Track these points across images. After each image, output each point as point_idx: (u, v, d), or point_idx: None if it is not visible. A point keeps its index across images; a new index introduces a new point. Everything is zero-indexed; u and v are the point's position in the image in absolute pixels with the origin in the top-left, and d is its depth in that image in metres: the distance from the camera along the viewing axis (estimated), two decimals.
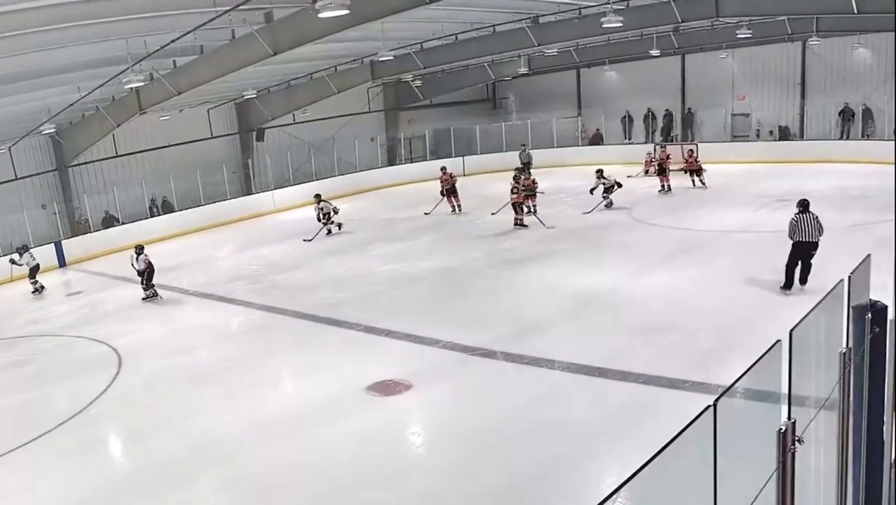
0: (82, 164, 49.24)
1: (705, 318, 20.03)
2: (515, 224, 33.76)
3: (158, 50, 27.51)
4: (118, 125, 42.75)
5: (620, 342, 18.67)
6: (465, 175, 50.78)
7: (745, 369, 5.47)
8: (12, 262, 35.06)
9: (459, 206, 40.06)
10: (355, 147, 57.01)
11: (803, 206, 22.64)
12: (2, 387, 23.33)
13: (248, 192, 54.02)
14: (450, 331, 20.70)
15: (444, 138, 59.37)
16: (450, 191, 40.38)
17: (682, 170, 39.22)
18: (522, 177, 35.26)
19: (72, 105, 36.79)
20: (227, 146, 55.87)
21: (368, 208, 44.18)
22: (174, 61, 32.89)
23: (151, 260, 31.12)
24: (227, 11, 23.72)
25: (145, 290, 31.23)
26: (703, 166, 39.09)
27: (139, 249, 31.42)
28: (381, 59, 40.14)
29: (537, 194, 34.80)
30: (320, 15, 21.98)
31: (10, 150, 44.56)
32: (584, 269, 26.08)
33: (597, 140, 57.64)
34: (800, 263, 22.34)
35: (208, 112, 54.03)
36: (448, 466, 14.10)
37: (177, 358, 23.23)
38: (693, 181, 39.11)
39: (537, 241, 30.23)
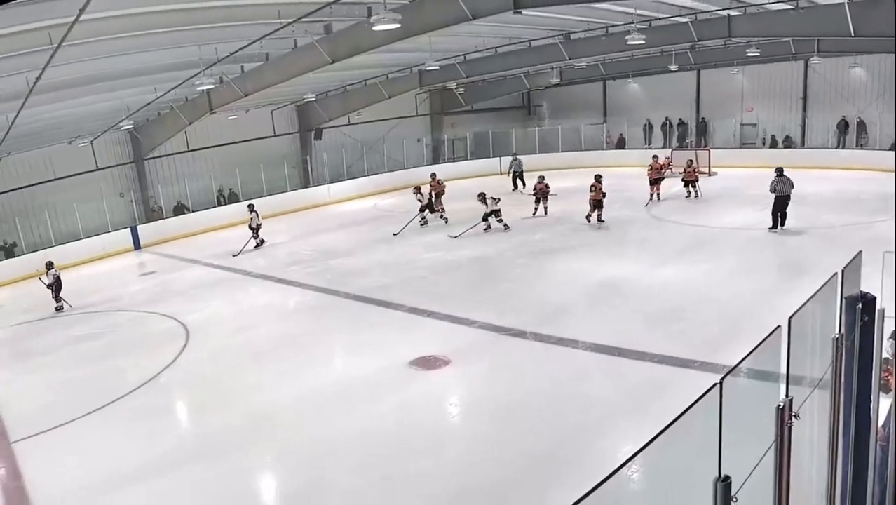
0: (157, 157, 50.25)
1: (714, 305, 20.05)
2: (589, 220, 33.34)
3: (228, 56, 27.79)
4: (190, 123, 43.52)
5: (637, 326, 18.74)
6: (500, 174, 50.90)
7: (748, 352, 5.55)
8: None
9: (443, 211, 39.16)
10: (403, 147, 57.45)
11: (779, 171, 29.96)
12: (80, 356, 23.75)
13: (306, 186, 54.49)
14: (485, 313, 20.81)
15: (483, 140, 59.49)
16: (439, 194, 39.67)
17: (682, 180, 38.74)
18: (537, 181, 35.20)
19: (148, 104, 37.15)
20: (288, 144, 56.45)
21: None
22: (242, 67, 33.17)
23: (60, 275, 31.34)
24: (290, 23, 23.98)
25: (57, 301, 31.20)
26: (699, 177, 38.57)
27: (49, 265, 31.62)
28: (428, 68, 40.79)
29: (549, 196, 34.60)
30: (374, 28, 22.15)
31: (91, 143, 45.94)
32: (606, 260, 26.12)
33: (620, 145, 57.62)
34: (779, 212, 29.11)
35: (272, 113, 54.71)
36: (483, 434, 14.23)
37: (239, 334, 23.53)
38: (688, 191, 38.30)
39: (564, 234, 30.30)
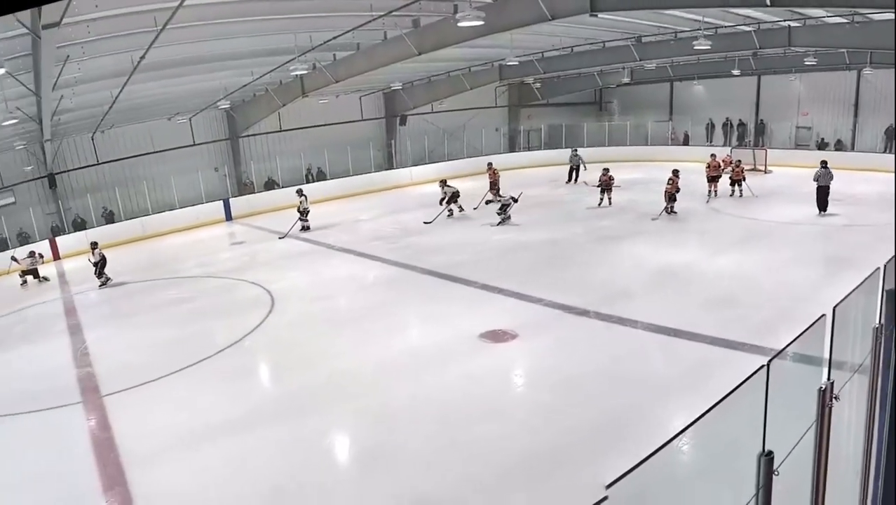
0: (250, 135, 51.74)
1: (765, 293, 19.99)
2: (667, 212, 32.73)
3: (321, 44, 28.22)
4: (283, 105, 44.79)
5: (693, 310, 18.79)
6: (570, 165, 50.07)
7: (794, 337, 5.67)
8: (13, 259, 34.66)
9: (493, 199, 37.94)
10: (482, 135, 57.81)
11: (823, 164, 31.74)
12: (172, 318, 24.34)
13: (390, 168, 55.23)
14: (551, 292, 20.91)
15: (556, 133, 59.51)
16: (494, 182, 39.99)
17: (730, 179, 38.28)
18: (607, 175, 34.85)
19: (245, 86, 38.20)
20: (375, 128, 57.17)
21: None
22: (334, 55, 33.62)
23: (105, 254, 31.91)
24: (381, 16, 24.55)
25: (99, 277, 31.86)
26: (747, 176, 38.06)
27: (94, 245, 32.30)
28: (508, 63, 40.61)
29: (613, 188, 34.53)
30: (459, 24, 22.52)
31: (190, 120, 47.84)
32: (666, 248, 26.10)
33: (684, 141, 57.43)
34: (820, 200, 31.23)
35: (360, 99, 55.53)
36: (545, 404, 14.38)
37: (321, 302, 23.95)
38: (733, 190, 37.22)
39: (629, 222, 30.28)
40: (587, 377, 15.24)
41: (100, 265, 31.74)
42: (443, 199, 36.62)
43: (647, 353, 16.50)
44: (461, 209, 36.48)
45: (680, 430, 5.34)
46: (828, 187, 31.52)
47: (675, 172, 33.01)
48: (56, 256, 40.72)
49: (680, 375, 14.87)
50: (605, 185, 33.56)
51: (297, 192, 38.25)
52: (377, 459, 12.99)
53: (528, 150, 58.80)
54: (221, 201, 46.89)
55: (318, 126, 53.79)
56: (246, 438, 14.50)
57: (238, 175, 52.72)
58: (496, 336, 18.18)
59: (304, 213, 37.61)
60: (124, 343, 22.67)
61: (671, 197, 32.40)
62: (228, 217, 46.34)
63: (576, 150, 43.28)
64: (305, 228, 37.68)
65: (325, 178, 52.84)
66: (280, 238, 35.69)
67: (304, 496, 11.91)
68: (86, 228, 44.19)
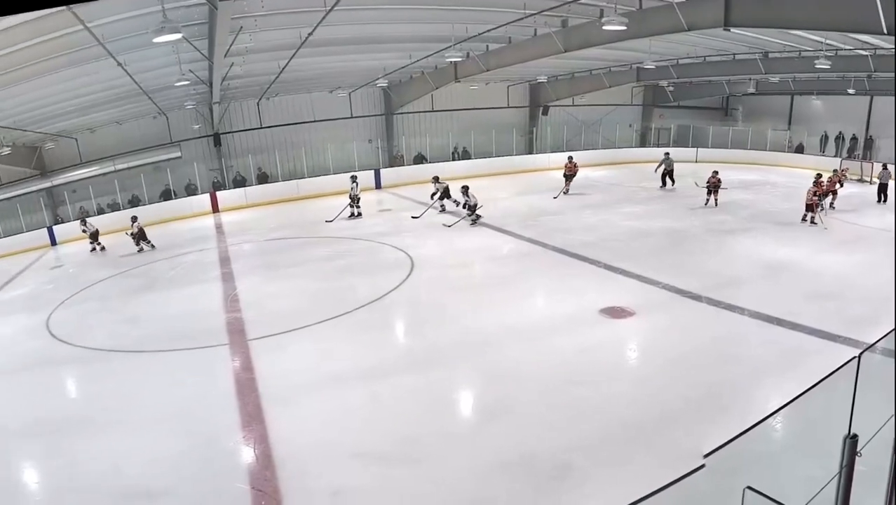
0: (404, 113, 53.01)
1: (863, 291, 19.46)
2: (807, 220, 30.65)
3: (476, 36, 28.75)
4: (436, 88, 45.85)
5: (796, 301, 18.43)
6: (696, 162, 50.36)
7: (885, 333, 5.63)
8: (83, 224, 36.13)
9: (566, 192, 38.96)
10: (616, 130, 57.61)
11: (884, 165, 34.64)
12: (320, 273, 25.27)
13: (530, 152, 55.32)
14: (669, 276, 20.85)
15: (684, 133, 58.57)
16: (569, 177, 39.55)
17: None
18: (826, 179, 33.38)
19: (403, 68, 39.04)
20: (519, 115, 57.40)
21: (620, 177, 44.61)
22: (487, 46, 34.08)
23: (142, 226, 33.43)
24: (533, 14, 24.87)
25: (137, 245, 33.44)
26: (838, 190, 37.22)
27: (134, 219, 34.08)
28: (645, 66, 41.14)
29: (720, 189, 33.95)
30: (604, 27, 22.79)
31: (349, 95, 49.34)
32: (775, 244, 25.50)
33: (799, 150, 56.78)
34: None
35: (507, 88, 55.87)
36: (652, 376, 14.38)
37: (456, 270, 24.31)
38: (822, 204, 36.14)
39: (743, 218, 29.82)
40: (694, 355, 15.20)
41: (138, 236, 33.22)
42: (434, 195, 36.11)
43: (750, 337, 16.29)
44: (456, 203, 35.19)
45: (774, 409, 5.32)
46: (886, 184, 34.65)
47: (818, 179, 31.21)
48: (215, 209, 43.14)
49: (778, 360, 14.68)
50: (714, 185, 33.00)
51: (351, 178, 37.72)
52: (494, 413, 13.16)
53: (658, 146, 57.76)
54: (373, 171, 48.28)
55: (467, 109, 54.41)
56: (376, 385, 14.84)
57: (390, 148, 53.95)
58: (615, 312, 18.21)
59: (355, 200, 37.05)
60: (272, 292, 23.44)
61: (809, 207, 31.12)
62: (378, 186, 47.82)
63: (668, 153, 41.64)
64: (355, 216, 36.88)
65: (469, 158, 53.57)
66: (327, 221, 35.39)
67: (427, 443, 12.10)
68: (245, 186, 46.65)
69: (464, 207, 32.81)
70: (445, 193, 35.61)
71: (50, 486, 12.35)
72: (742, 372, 14.02)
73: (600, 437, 11.69)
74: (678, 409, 12.55)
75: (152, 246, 33.64)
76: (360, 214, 36.57)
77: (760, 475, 6.70)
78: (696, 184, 32.74)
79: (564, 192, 38.63)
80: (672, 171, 40.08)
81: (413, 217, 34.23)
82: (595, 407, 12.89)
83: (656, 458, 10.75)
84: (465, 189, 32.97)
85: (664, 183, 40.14)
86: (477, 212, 32.35)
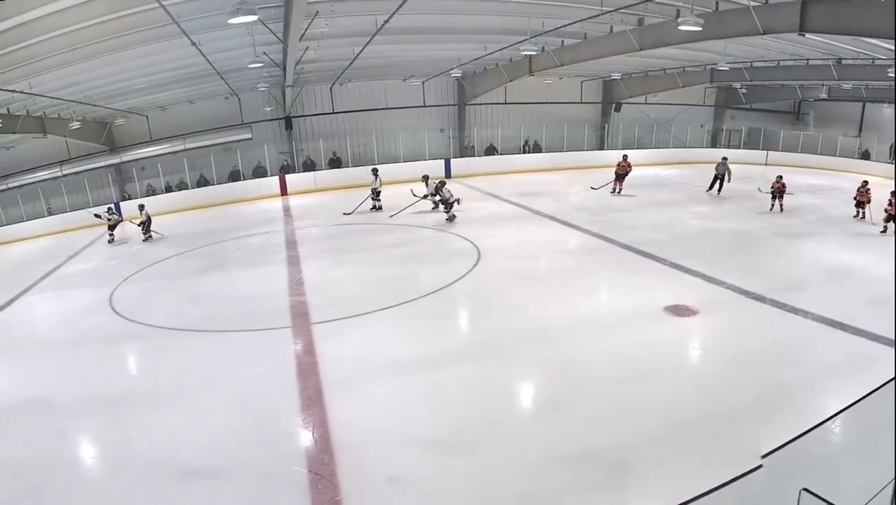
0: (477, 104, 53.10)
1: None
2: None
3: (552, 30, 28.75)
4: (510, 80, 45.45)
5: (859, 307, 18.03)
6: (766, 165, 50.58)
7: None
8: (96, 216, 36.10)
9: (620, 189, 38.29)
10: (688, 129, 57.42)
11: None
12: (384, 260, 25.55)
13: (601, 148, 55.61)
14: (734, 276, 20.64)
15: (755, 135, 58.34)
16: (622, 176, 38.57)
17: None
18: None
19: (477, 59, 39.17)
20: (591, 111, 57.50)
21: (690, 176, 44.38)
22: (562, 41, 33.89)
23: (150, 214, 33.78)
24: (609, 12, 24.82)
25: (145, 234, 33.83)
26: None
27: (141, 207, 34.60)
28: (719, 68, 40.85)
29: (785, 195, 33.53)
30: (680, 27, 22.75)
31: (423, 83, 49.53)
32: (841, 248, 25.05)
33: (865, 156, 56.33)
34: None
35: (581, 83, 55.89)
36: (713, 374, 14.30)
37: (522, 261, 24.24)
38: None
39: (810, 222, 29.39)
40: (755, 355, 15.05)
41: (146, 224, 33.64)
42: (427, 196, 35.19)
43: (813, 340, 16.11)
44: (434, 202, 34.75)
45: (834, 413, 5.31)
46: None
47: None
48: (283, 192, 44.03)
49: (839, 364, 14.50)
50: (778, 191, 32.61)
51: (373, 171, 37.81)
52: (553, 406, 13.18)
53: (728, 147, 57.48)
54: (443, 160, 48.86)
55: (540, 103, 54.25)
56: (435, 373, 14.95)
57: (461, 138, 54.02)
58: (678, 310, 18.14)
59: (375, 194, 36.97)
60: (337, 277, 23.73)
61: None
62: (448, 175, 47.88)
63: (725, 159, 39.45)
64: (376, 209, 36.71)
65: (540, 151, 53.77)
66: (345, 214, 35.30)
67: (484, 434, 12.15)
68: (314, 170, 47.68)
69: (441, 203, 32.74)
70: (437, 191, 34.98)
71: (108, 460, 12.57)
72: (803, 375, 13.92)
73: (659, 434, 11.68)
74: (738, 408, 12.47)
75: (160, 235, 33.93)
76: (380, 208, 36.43)
77: (817, 478, 6.70)
78: (759, 189, 32.46)
79: (615, 192, 38.05)
80: (724, 176, 38.08)
81: (391, 216, 33.83)
82: (655, 404, 12.87)
83: (715, 456, 10.70)
84: (440, 185, 32.93)
85: (712, 186, 38.46)
86: (452, 211, 32.33)
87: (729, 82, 51.90)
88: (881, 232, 27.75)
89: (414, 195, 34.70)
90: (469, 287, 21.54)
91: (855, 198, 29.93)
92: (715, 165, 38.09)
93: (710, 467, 10.04)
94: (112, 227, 34.98)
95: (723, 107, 61.41)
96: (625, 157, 39.34)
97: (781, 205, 31.64)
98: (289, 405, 13.73)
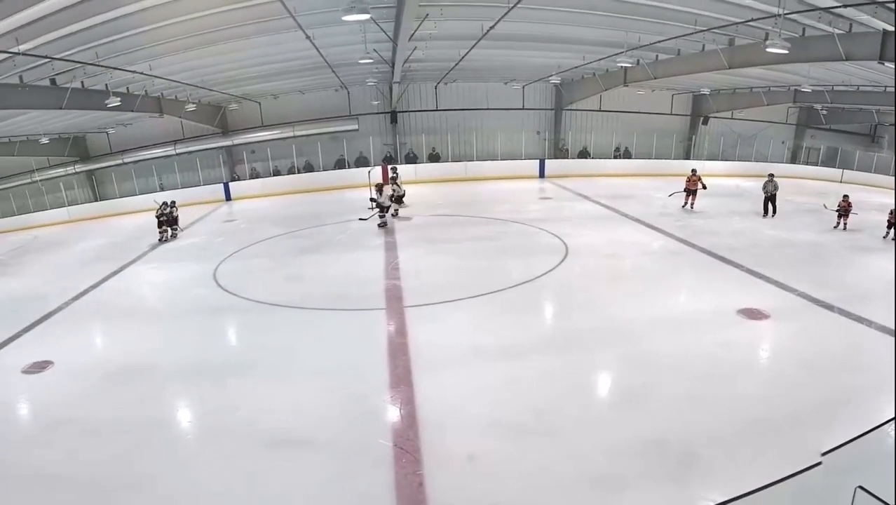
0: (573, 109, 53.47)
1: None
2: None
3: (647, 45, 29.44)
4: (605, 89, 46.04)
5: None
6: (840, 182, 49.77)
7: None
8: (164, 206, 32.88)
9: (693, 205, 36.08)
10: (770, 145, 56.69)
11: None
12: (477, 251, 25.76)
13: (687, 157, 54.78)
14: (805, 284, 20.37)
15: (832, 154, 57.30)
16: (692, 192, 36.26)
17: None
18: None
19: (576, 67, 39.72)
20: (680, 123, 57.41)
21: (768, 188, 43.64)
22: (657, 55, 34.33)
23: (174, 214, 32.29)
24: (702, 31, 25.66)
25: (172, 228, 32.18)
26: None
27: (166, 204, 31.96)
28: (802, 89, 41.07)
29: (850, 214, 33.05)
30: (767, 49, 22.88)
31: (523, 87, 50.52)
32: None
33: None
34: None
35: (672, 96, 55.80)
36: (782, 376, 14.26)
37: (608, 259, 24.20)
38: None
39: (878, 238, 28.55)
40: (821, 360, 14.93)
41: (167, 221, 32.03)
42: (390, 196, 33.04)
43: (877, 349, 15.75)
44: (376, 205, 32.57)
45: (890, 417, 5.36)
46: None
47: None
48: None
49: None
50: (844, 209, 32.12)
51: (391, 168, 37.82)
52: (629, 398, 13.26)
53: (806, 164, 57.57)
54: (538, 161, 49.36)
55: (632, 112, 54.44)
56: (517, 362, 14.97)
57: (556, 141, 54.20)
58: (752, 314, 17.99)
59: (398, 197, 34.45)
60: (431, 265, 24.04)
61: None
62: (542, 175, 48.85)
63: (772, 176, 35.24)
64: (392, 213, 33.64)
65: (630, 157, 53.83)
66: (360, 220, 32.95)
67: (562, 420, 12.28)
68: (416, 163, 48.78)
69: (376, 207, 31.86)
70: (398, 199, 34.17)
71: (205, 424, 13.03)
72: (866, 381, 13.79)
73: (728, 430, 11.69)
74: (803, 409, 12.46)
75: (174, 235, 32.21)
76: (391, 214, 34.32)
77: (872, 477, 6.75)
78: (825, 206, 32.08)
79: (686, 207, 35.69)
80: (774, 196, 34.18)
81: (360, 219, 32.50)
82: (725, 401, 12.89)
83: (779, 452, 10.72)
84: (379, 188, 32.12)
85: (766, 211, 34.14)
86: (387, 213, 31.96)
87: (810, 103, 51.64)
88: (883, 238, 27.87)
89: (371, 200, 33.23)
90: (555, 282, 21.56)
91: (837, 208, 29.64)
92: (762, 185, 34.32)
93: (772, 464, 10.04)
94: (166, 223, 32.71)
95: (803, 126, 60.88)
96: (693, 171, 36.45)
97: (846, 223, 31.12)
98: (379, 382, 14.00)
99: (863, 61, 25.27)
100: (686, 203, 35.56)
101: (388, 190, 31.73)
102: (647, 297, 19.79)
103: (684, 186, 35.72)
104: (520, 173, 47.89)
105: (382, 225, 31.00)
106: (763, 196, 33.51)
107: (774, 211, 33.43)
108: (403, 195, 33.90)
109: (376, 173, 36.88)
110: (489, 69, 42.75)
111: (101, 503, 10.20)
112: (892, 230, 27.60)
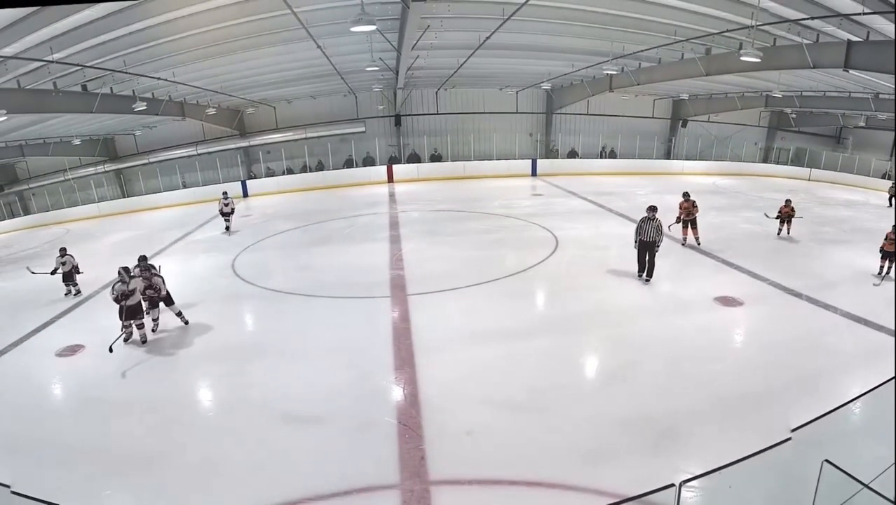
0: (562, 113, 54.44)
1: None
2: None
3: (630, 54, 30.01)
4: (592, 94, 46.75)
5: (880, 305, 17.67)
6: (809, 180, 51.05)
7: None
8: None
9: (697, 238, 25.56)
10: (744, 146, 57.46)
11: None
12: (474, 243, 25.96)
13: (667, 157, 55.78)
14: (776, 274, 20.56)
15: (800, 154, 58.03)
16: (691, 222, 25.57)
17: None
18: None
19: (565, 75, 40.22)
20: (660, 125, 58.07)
21: (743, 186, 44.02)
22: (640, 63, 34.65)
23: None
24: (681, 41, 26.56)
25: (227, 220, 31.27)
26: None
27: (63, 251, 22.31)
28: (773, 94, 40.55)
29: (794, 219, 32.67)
30: (742, 58, 23.00)
31: (516, 93, 51.66)
32: (868, 254, 23.29)
33: (887, 177, 56.15)
34: None
35: (653, 101, 56.48)
36: (754, 357, 14.37)
37: (595, 251, 24.25)
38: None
39: (844, 231, 29.00)
40: (789, 343, 15.06)
41: (230, 214, 31.51)
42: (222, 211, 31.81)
43: (841, 333, 15.94)
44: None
45: (857, 395, 5.35)
46: None
47: None
48: (390, 180, 45.99)
49: (862, 355, 14.35)
50: (787, 216, 31.75)
51: (223, 193, 32.30)
52: (616, 377, 13.39)
53: (777, 163, 58.13)
54: (530, 161, 50.03)
55: (617, 116, 55.55)
56: (513, 345, 15.08)
57: (547, 142, 55.38)
58: (726, 301, 18.15)
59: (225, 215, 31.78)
60: (432, 256, 24.15)
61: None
62: (534, 173, 49.55)
63: (687, 194, 26.39)
64: (227, 230, 31.58)
65: (615, 157, 54.33)
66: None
67: (554, 397, 12.38)
68: (418, 162, 49.51)
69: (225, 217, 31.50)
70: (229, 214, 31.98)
71: (224, 399, 13.21)
72: (831, 361, 13.92)
73: (705, 407, 11.83)
74: (773, 388, 12.57)
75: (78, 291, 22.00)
76: (228, 228, 31.77)
77: (838, 451, 6.78)
78: (766, 215, 31.99)
79: (685, 242, 25.37)
80: (694, 220, 25.95)
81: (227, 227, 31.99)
82: (703, 380, 13.02)
83: (751, 428, 10.76)
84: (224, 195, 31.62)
85: (686, 239, 25.81)
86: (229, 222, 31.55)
87: (781, 107, 52.35)
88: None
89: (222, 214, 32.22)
90: (547, 271, 21.70)
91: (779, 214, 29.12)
92: (679, 203, 26.07)
93: (745, 438, 10.06)
94: (226, 215, 31.77)
95: (774, 128, 61.44)
96: (686, 195, 25.85)
97: (789, 229, 30.20)
98: (384, 364, 14.10)
99: (829, 69, 25.89)
100: (685, 239, 25.69)
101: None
102: (631, 284, 19.92)
103: (678, 216, 25.84)
104: (514, 172, 48.46)
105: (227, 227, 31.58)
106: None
107: (697, 239, 25.42)
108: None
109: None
110: (486, 76, 43.21)
111: (140, 468, 10.34)
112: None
